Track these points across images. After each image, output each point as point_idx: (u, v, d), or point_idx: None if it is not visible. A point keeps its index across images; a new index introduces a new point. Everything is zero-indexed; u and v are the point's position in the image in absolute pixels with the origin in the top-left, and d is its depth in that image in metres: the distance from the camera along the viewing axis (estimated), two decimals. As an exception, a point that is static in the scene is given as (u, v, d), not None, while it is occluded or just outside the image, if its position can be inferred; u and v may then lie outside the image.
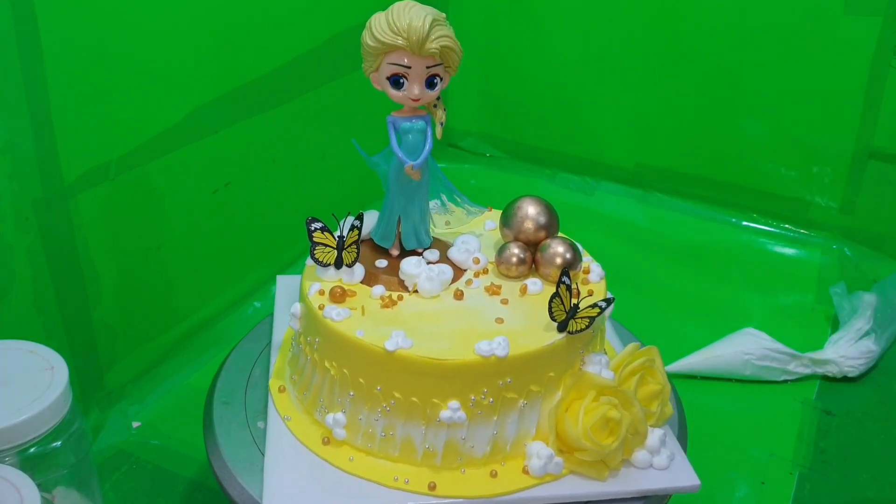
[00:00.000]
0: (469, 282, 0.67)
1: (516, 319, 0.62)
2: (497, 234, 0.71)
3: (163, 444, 0.85)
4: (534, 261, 0.68)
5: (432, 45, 0.60)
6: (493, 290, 0.65)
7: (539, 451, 0.60)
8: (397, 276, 0.65)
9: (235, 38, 0.91)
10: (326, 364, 0.62)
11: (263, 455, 0.63)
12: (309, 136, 1.06)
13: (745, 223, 1.23)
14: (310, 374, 0.64)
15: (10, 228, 0.73)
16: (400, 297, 0.64)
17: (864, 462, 0.86)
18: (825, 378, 0.97)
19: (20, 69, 0.70)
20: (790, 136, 1.16)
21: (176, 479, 0.82)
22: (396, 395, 0.59)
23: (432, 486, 0.59)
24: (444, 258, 0.68)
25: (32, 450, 0.57)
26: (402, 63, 0.61)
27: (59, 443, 0.58)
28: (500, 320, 0.62)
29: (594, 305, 0.61)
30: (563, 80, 1.28)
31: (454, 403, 0.59)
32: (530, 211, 0.68)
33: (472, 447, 0.60)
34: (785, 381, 0.96)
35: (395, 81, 0.62)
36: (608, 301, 0.62)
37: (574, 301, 0.61)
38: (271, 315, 0.80)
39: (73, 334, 0.81)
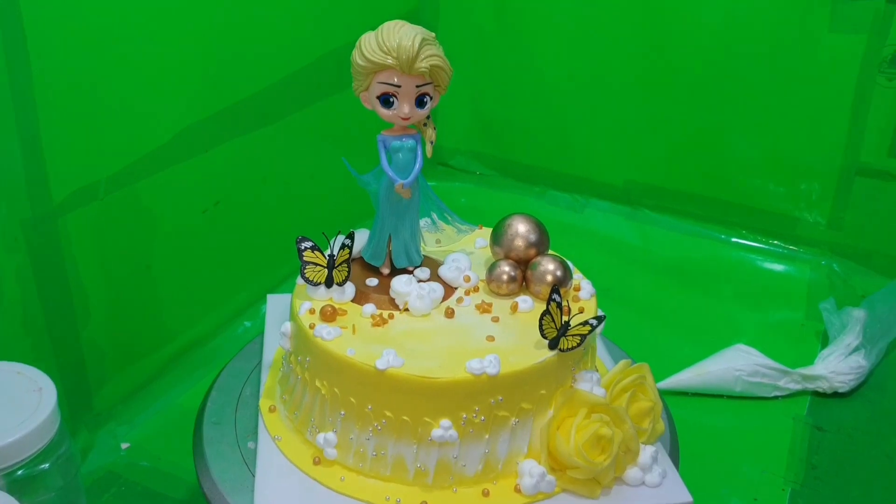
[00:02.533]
0: (460, 300, 0.67)
1: (507, 337, 0.62)
2: (487, 252, 0.72)
3: (152, 465, 0.85)
4: (524, 278, 0.68)
5: (422, 65, 0.60)
6: (483, 308, 0.65)
7: (531, 470, 0.60)
8: (388, 294, 0.65)
9: (225, 56, 0.92)
10: (317, 383, 0.61)
11: (254, 475, 0.63)
12: (299, 154, 1.06)
13: (734, 239, 1.23)
14: (300, 393, 0.64)
15: (-1, 249, 0.73)
16: (391, 316, 0.64)
17: (856, 477, 0.86)
18: (816, 394, 0.97)
19: (9, 88, 0.70)
20: (778, 152, 1.17)
21: (165, 501, 0.81)
22: (388, 413, 0.59)
23: None
24: (434, 276, 0.68)
25: (20, 472, 0.56)
26: (392, 82, 0.61)
27: (48, 465, 0.58)
28: (490, 338, 0.62)
29: (585, 323, 0.61)
30: (553, 98, 1.29)
31: (445, 422, 0.58)
32: (520, 229, 0.68)
33: (464, 466, 0.60)
34: (776, 398, 0.96)
35: (386, 100, 0.62)
36: (599, 319, 0.62)
37: (565, 319, 0.61)
38: (261, 334, 0.80)
39: (61, 355, 0.81)
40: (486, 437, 0.60)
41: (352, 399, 0.60)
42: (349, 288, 0.65)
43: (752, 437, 0.91)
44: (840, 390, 0.96)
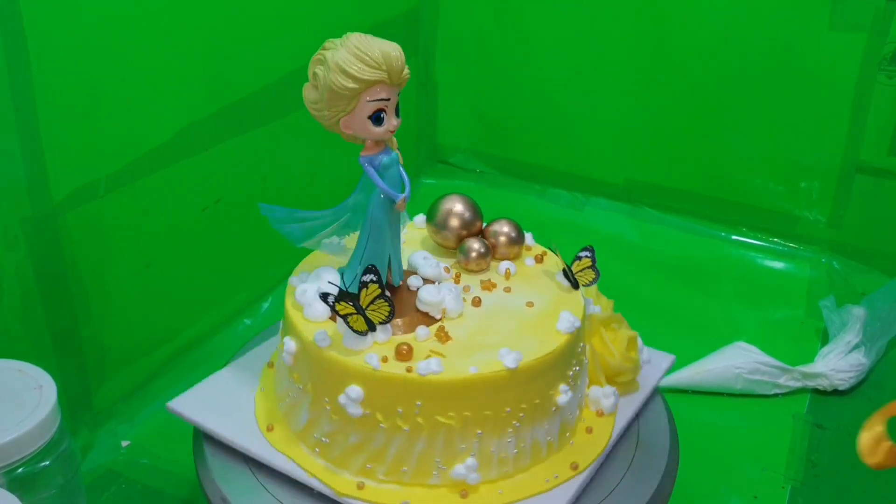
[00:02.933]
0: (466, 288, 0.68)
1: (535, 296, 0.67)
2: (426, 241, 0.74)
3: (152, 463, 0.85)
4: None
5: (405, 73, 0.59)
6: (487, 286, 0.68)
7: (605, 392, 0.68)
8: (413, 312, 0.64)
9: (225, 55, 0.92)
10: (442, 419, 0.59)
11: (254, 474, 0.63)
12: (299, 153, 1.06)
13: (734, 237, 1.23)
14: (387, 444, 0.60)
15: (-1, 247, 0.73)
16: (442, 329, 0.62)
17: (856, 475, 0.86)
18: (816, 391, 0.97)
19: (9, 87, 0.70)
20: (778, 151, 1.17)
21: (165, 499, 0.81)
22: (523, 406, 0.61)
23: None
24: (427, 280, 0.68)
25: (20, 470, 0.56)
26: (382, 97, 0.58)
27: (48, 463, 0.58)
28: (530, 304, 0.66)
29: (578, 258, 0.70)
30: (553, 96, 1.29)
31: (564, 386, 0.63)
32: (457, 207, 0.72)
33: (570, 415, 0.64)
34: (776, 395, 0.96)
35: (377, 117, 0.59)
36: (586, 249, 0.70)
37: (563, 267, 0.70)
38: (261, 332, 0.80)
39: (61, 353, 0.81)
40: (579, 382, 0.66)
41: (487, 412, 0.59)
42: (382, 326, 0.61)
43: (752, 435, 0.91)
44: (840, 388, 0.96)
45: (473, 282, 0.69)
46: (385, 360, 0.59)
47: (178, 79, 0.87)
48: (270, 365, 0.72)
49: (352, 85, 0.57)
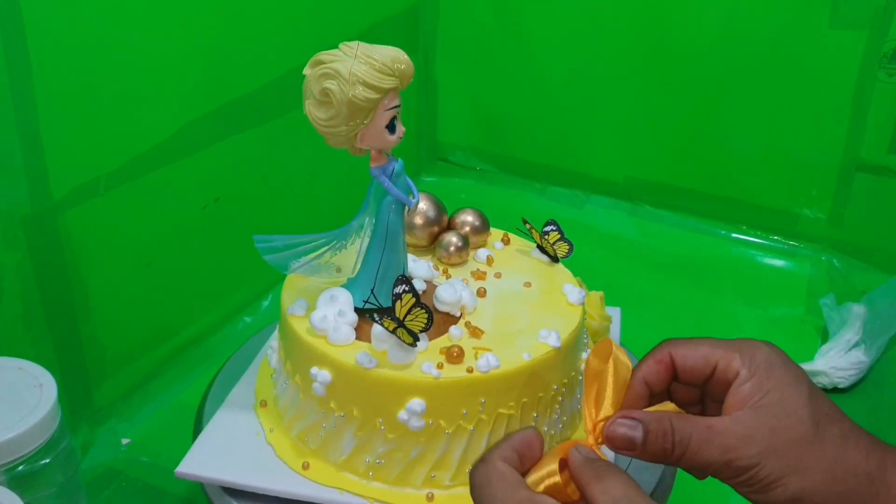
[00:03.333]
0: (465, 280, 0.68)
1: (529, 277, 0.70)
2: None
3: (152, 461, 0.85)
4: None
5: (412, 76, 0.58)
6: (478, 275, 0.70)
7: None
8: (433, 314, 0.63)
9: (226, 53, 0.92)
10: (504, 410, 0.59)
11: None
12: (299, 152, 1.06)
13: (734, 235, 1.23)
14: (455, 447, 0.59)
15: (-1, 245, 0.73)
16: (469, 324, 0.62)
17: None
18: (816, 389, 0.97)
19: (9, 84, 0.70)
20: (778, 148, 1.17)
21: (165, 497, 0.81)
22: (565, 380, 0.63)
23: None
24: (429, 284, 0.68)
25: (21, 468, 0.56)
26: (396, 104, 0.57)
27: (48, 460, 0.58)
28: (527, 284, 0.69)
29: (545, 233, 0.72)
30: (553, 94, 1.29)
31: (584, 354, 0.66)
32: (420, 206, 0.73)
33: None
34: (776, 393, 0.96)
35: (392, 126, 0.58)
36: (550, 223, 0.73)
37: (536, 244, 0.73)
38: (261, 331, 0.79)
39: (61, 351, 0.81)
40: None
41: (540, 394, 0.61)
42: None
43: (752, 433, 0.91)
44: (840, 386, 0.96)
45: (463, 274, 0.70)
46: (440, 366, 0.58)
47: (177, 77, 0.87)
48: (263, 404, 0.67)
49: (374, 95, 0.55)
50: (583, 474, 0.43)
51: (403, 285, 0.58)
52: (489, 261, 0.72)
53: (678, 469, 0.64)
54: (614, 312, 0.81)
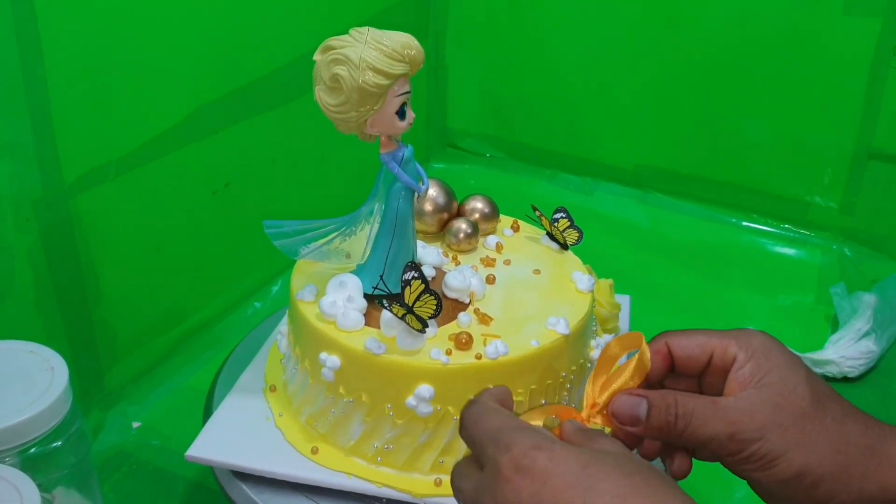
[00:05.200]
0: (475, 267, 0.69)
1: (538, 264, 0.70)
2: None
3: (163, 444, 0.85)
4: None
5: (422, 62, 0.58)
6: (487, 262, 0.70)
7: (606, 341, 0.68)
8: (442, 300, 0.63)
9: (236, 38, 0.92)
10: (520, 389, 0.60)
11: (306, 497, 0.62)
12: (309, 136, 1.06)
13: (744, 223, 1.23)
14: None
15: (11, 229, 0.73)
16: (478, 311, 0.62)
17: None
18: (825, 378, 0.97)
19: (20, 69, 0.70)
20: (790, 136, 1.16)
21: (175, 480, 0.82)
22: (573, 368, 0.63)
23: None
24: (438, 271, 0.68)
25: (33, 450, 0.57)
26: (406, 90, 0.57)
27: (60, 443, 0.58)
28: (537, 271, 0.69)
29: (555, 220, 0.72)
30: (564, 80, 1.28)
31: (593, 341, 0.67)
32: (430, 192, 0.73)
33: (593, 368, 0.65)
34: (785, 382, 0.96)
35: (402, 112, 0.58)
36: (559, 211, 0.73)
37: (546, 231, 0.73)
38: (271, 316, 0.80)
39: (73, 335, 0.81)
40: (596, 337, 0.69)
41: (549, 381, 0.61)
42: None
43: (761, 421, 0.91)
44: (850, 375, 0.96)
45: (472, 261, 0.70)
46: (449, 352, 0.58)
47: (188, 62, 0.87)
48: (272, 389, 0.68)
49: (384, 81, 0.55)
50: (576, 438, 0.44)
51: (413, 272, 0.58)
52: (498, 248, 0.72)
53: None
54: (623, 300, 0.81)
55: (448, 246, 0.72)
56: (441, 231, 0.74)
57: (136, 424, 0.87)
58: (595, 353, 0.65)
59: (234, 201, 0.97)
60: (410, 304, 0.58)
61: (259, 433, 0.64)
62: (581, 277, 0.67)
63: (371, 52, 0.55)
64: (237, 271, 1.03)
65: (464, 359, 0.58)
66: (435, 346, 0.58)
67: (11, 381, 0.58)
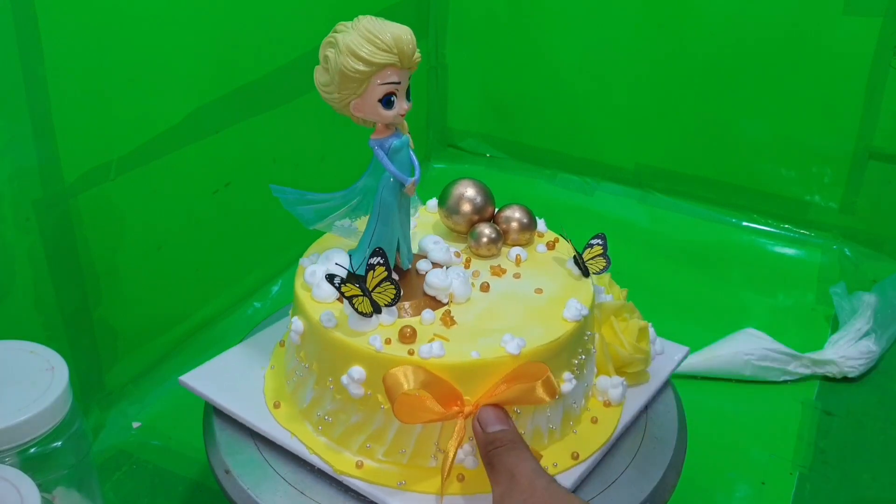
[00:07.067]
0: (476, 273, 0.68)
1: (546, 283, 0.67)
2: (437, 226, 0.74)
3: (163, 444, 0.85)
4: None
5: (416, 56, 0.59)
6: (496, 272, 0.68)
7: (613, 382, 0.67)
8: (420, 297, 0.64)
9: (236, 38, 0.92)
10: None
11: (259, 449, 0.64)
12: (309, 136, 1.06)
13: (745, 223, 1.23)
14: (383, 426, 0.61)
15: (11, 229, 0.74)
16: (447, 313, 0.62)
17: (865, 462, 0.86)
18: (825, 378, 0.97)
19: (21, 70, 0.70)
20: (790, 136, 1.16)
21: (176, 480, 0.82)
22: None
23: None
24: (436, 265, 0.68)
25: (33, 450, 0.57)
26: (393, 80, 0.58)
27: (60, 443, 0.58)
28: (539, 290, 0.66)
29: (590, 245, 0.69)
30: (564, 80, 1.29)
31: (568, 374, 0.62)
32: (468, 192, 0.71)
33: (574, 404, 0.64)
34: (785, 382, 0.96)
35: (388, 101, 0.59)
36: (598, 237, 0.70)
37: (573, 254, 0.69)
38: (271, 315, 0.80)
39: (73, 335, 0.82)
40: (585, 371, 0.65)
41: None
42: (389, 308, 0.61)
43: (761, 422, 0.91)
44: (850, 375, 0.96)
45: (483, 267, 0.69)
46: (388, 342, 0.59)
47: (188, 62, 0.87)
48: (282, 344, 0.72)
49: (362, 68, 0.57)
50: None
51: (378, 258, 0.59)
52: (518, 260, 0.69)
53: (679, 471, 0.65)
54: (673, 349, 0.76)
55: (469, 248, 0.71)
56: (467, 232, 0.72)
57: (136, 424, 0.87)
58: (567, 387, 0.62)
59: (234, 201, 0.97)
60: (370, 288, 0.59)
61: (247, 380, 0.69)
62: (574, 305, 0.63)
63: (356, 39, 0.57)
64: (237, 271, 1.03)
65: (397, 351, 0.58)
66: (380, 333, 0.59)
67: (11, 381, 0.58)
